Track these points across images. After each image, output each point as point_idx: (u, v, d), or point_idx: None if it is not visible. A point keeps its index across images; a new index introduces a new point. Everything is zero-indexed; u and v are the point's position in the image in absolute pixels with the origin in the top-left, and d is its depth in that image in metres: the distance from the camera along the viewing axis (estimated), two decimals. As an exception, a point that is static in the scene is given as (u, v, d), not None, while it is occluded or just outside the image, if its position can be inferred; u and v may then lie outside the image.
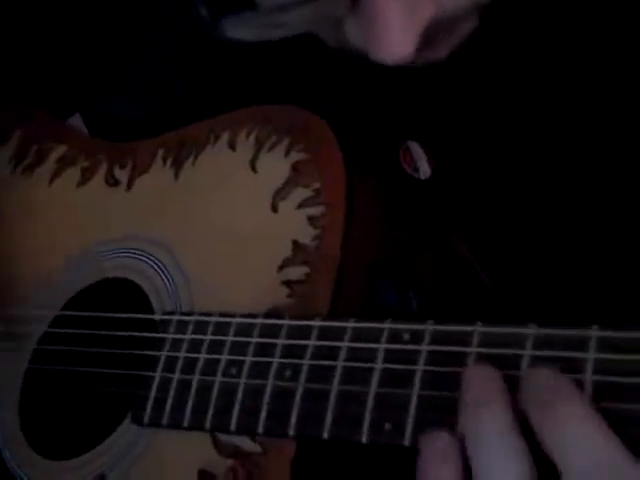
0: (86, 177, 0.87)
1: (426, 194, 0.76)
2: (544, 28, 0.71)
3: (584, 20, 0.71)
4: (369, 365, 0.62)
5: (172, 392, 0.70)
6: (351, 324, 0.64)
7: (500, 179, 0.75)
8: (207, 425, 0.68)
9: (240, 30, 0.54)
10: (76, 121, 0.93)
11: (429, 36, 0.55)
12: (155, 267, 0.77)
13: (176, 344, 0.72)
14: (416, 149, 0.76)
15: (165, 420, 0.70)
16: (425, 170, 0.76)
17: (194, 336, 0.71)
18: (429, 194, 0.76)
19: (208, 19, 0.53)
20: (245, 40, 0.54)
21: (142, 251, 0.79)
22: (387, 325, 0.63)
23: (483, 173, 0.76)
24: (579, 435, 0.51)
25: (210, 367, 0.69)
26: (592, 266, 0.73)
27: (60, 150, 0.90)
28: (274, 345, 0.66)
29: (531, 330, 0.57)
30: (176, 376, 0.70)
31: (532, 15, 0.71)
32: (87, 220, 0.85)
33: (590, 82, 0.71)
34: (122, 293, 0.79)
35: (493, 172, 0.75)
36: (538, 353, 0.57)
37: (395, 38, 0.53)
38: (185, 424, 0.69)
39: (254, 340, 0.68)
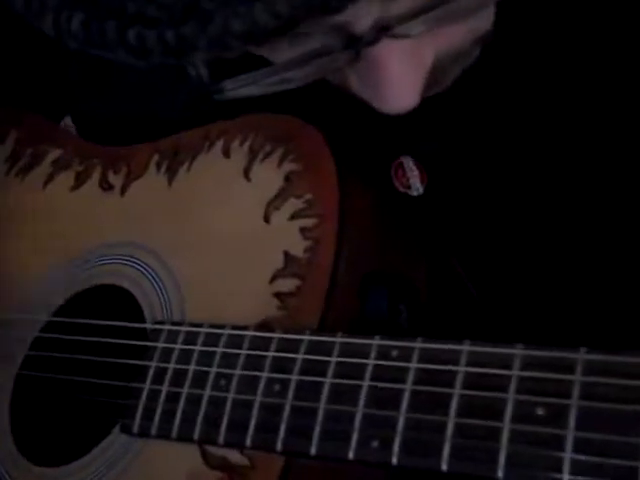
0: (80, 181, 0.86)
1: (418, 211, 0.75)
2: (536, 47, 0.71)
3: (577, 40, 0.70)
4: (357, 382, 0.62)
5: (161, 402, 0.70)
6: (340, 339, 0.64)
7: (492, 195, 0.75)
8: (195, 436, 0.68)
9: (242, 89, 0.53)
10: (67, 124, 0.93)
11: (432, 76, 0.55)
12: (147, 274, 0.77)
13: (166, 354, 0.72)
14: (409, 164, 0.76)
15: (154, 430, 0.70)
16: (417, 187, 0.76)
17: (184, 346, 0.71)
18: (421, 211, 0.75)
19: (208, 81, 0.53)
20: (248, 96, 0.54)
21: (134, 258, 0.79)
22: (376, 341, 0.63)
23: (475, 189, 0.75)
24: None
25: (199, 379, 0.69)
26: (583, 284, 0.72)
27: (55, 154, 0.89)
28: (263, 358, 0.66)
29: (519, 350, 0.57)
30: (165, 387, 0.70)
31: (524, 35, 0.70)
32: (79, 225, 0.85)
33: (583, 101, 0.71)
34: (114, 300, 0.79)
35: (485, 188, 0.75)
36: (525, 374, 0.57)
37: (400, 92, 0.53)
38: (174, 435, 0.69)
39: (244, 352, 0.67)
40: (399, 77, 0.53)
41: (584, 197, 0.70)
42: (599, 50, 0.69)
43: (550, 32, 0.69)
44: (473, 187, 0.74)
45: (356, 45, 0.52)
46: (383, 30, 0.51)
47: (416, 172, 0.75)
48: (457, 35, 0.56)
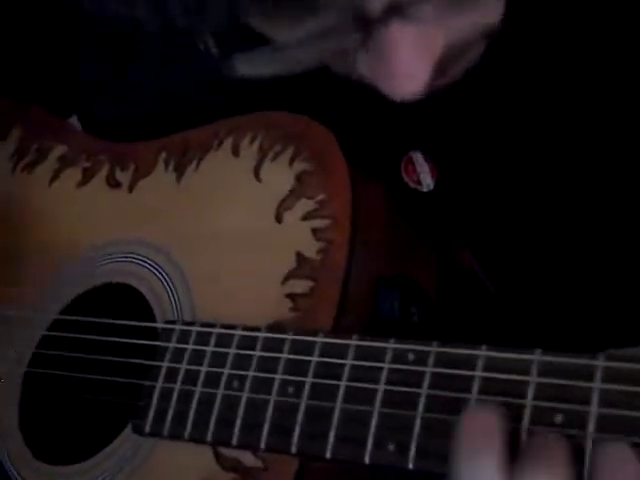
0: (87, 178, 0.86)
1: (429, 207, 0.75)
2: (545, 40, 0.71)
3: (584, 34, 0.70)
4: (373, 386, 0.62)
5: (173, 403, 0.70)
6: (355, 342, 0.64)
7: (503, 189, 0.75)
8: (208, 438, 0.68)
9: (251, 67, 0.53)
10: (73, 123, 0.92)
11: (441, 64, 0.55)
12: (156, 273, 0.77)
13: (178, 354, 0.71)
14: (419, 159, 0.76)
15: (166, 431, 0.70)
16: (428, 182, 0.76)
17: (196, 347, 0.71)
18: (432, 206, 0.75)
19: (218, 57, 0.53)
20: (256, 76, 0.53)
21: (142, 256, 0.78)
22: (391, 345, 0.62)
23: (486, 183, 0.75)
24: None
25: (212, 380, 0.69)
26: (595, 276, 0.72)
27: (60, 149, 0.89)
28: (277, 360, 0.66)
29: (537, 356, 0.57)
30: (177, 387, 0.70)
31: (533, 28, 0.70)
32: (87, 222, 0.84)
33: (592, 94, 0.71)
34: (122, 298, 0.79)
35: (496, 182, 0.75)
36: (543, 380, 0.57)
37: (409, 77, 0.53)
38: (186, 436, 0.69)
39: (257, 354, 0.67)
40: (409, 61, 0.53)
41: (596, 188, 0.70)
42: (604, 46, 0.69)
43: (557, 27, 0.69)
44: (485, 180, 0.74)
45: (367, 25, 0.52)
46: (395, 11, 0.51)
47: (426, 167, 0.75)
48: (466, 26, 0.56)
